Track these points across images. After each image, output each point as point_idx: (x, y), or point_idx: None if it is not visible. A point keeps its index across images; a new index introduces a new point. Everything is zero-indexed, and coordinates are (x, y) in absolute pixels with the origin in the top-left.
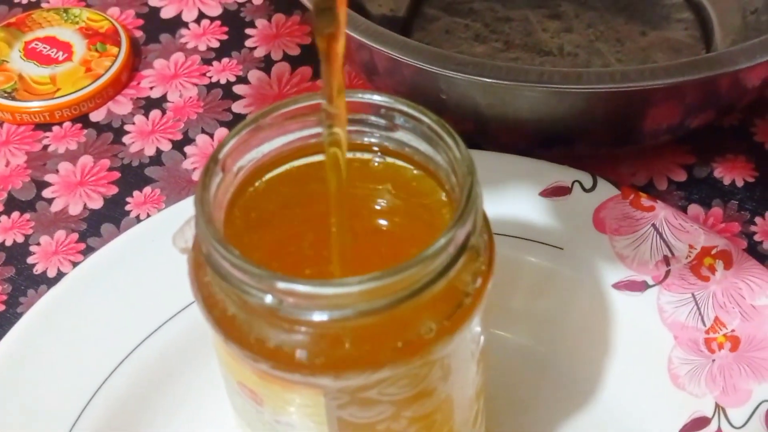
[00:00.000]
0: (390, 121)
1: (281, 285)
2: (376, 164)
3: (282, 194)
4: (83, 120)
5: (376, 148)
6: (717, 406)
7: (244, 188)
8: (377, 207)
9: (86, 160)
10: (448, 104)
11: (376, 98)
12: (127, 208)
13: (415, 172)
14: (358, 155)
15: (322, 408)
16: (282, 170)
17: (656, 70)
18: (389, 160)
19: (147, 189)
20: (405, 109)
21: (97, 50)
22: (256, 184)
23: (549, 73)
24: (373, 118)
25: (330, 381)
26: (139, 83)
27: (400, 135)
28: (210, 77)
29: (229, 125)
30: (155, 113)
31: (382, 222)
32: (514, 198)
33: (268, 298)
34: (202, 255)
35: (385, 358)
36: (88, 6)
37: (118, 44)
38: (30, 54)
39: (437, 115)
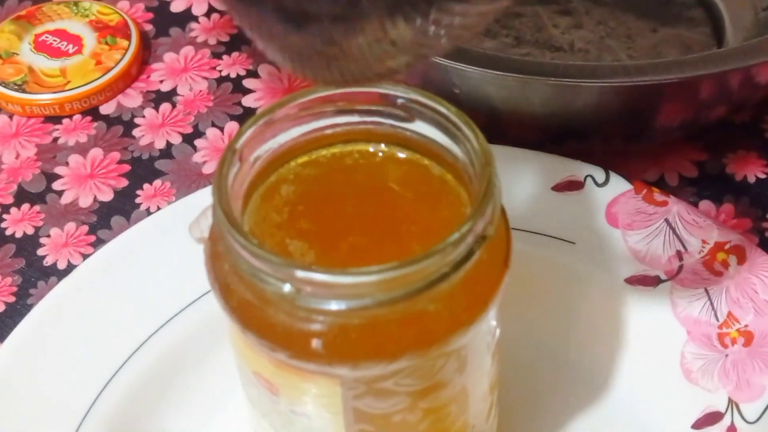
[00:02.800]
0: (407, 112)
1: (300, 274)
2: (392, 155)
3: (299, 184)
4: (93, 113)
5: (393, 139)
6: (730, 401)
7: (261, 178)
8: (394, 197)
9: (96, 152)
10: (461, 98)
11: (393, 89)
12: (138, 200)
13: (431, 163)
14: (375, 146)
15: (339, 398)
16: (298, 160)
17: (670, 65)
18: (406, 150)
19: (157, 182)
20: (422, 99)
21: (107, 43)
22: (273, 174)
23: (563, 67)
24: (389, 110)
25: (347, 371)
26: (149, 77)
27: (417, 126)
28: (220, 71)
29: (240, 119)
30: (165, 106)
31: (399, 212)
32: (527, 192)
33: (287, 287)
34: (218, 245)
35: (403, 348)
36: None
37: (128, 37)
38: (40, 47)
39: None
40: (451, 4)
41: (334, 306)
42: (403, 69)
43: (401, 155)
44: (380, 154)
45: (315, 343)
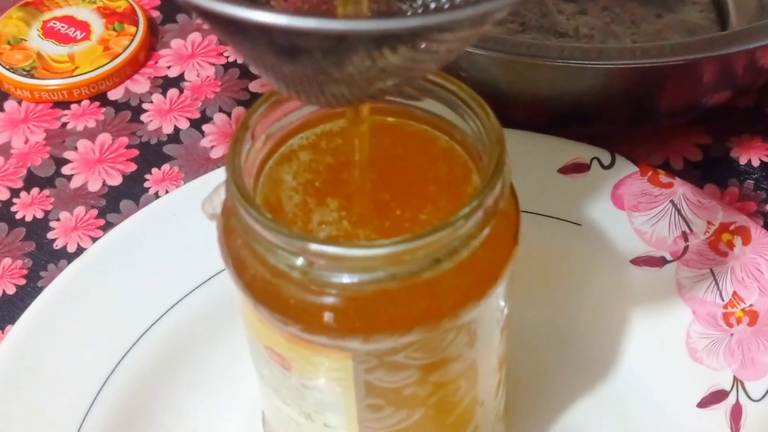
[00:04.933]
0: (417, 91)
1: (312, 247)
2: (402, 126)
3: (309, 159)
4: (101, 98)
5: (403, 117)
6: (735, 379)
7: (273, 154)
8: (404, 171)
9: (105, 137)
10: (468, 81)
11: None
12: (146, 185)
13: (442, 135)
14: (385, 119)
15: (350, 372)
16: (308, 136)
17: (676, 47)
18: (416, 124)
19: (165, 166)
20: (432, 78)
21: (114, 29)
22: (284, 150)
23: (570, 49)
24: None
25: (359, 344)
26: (156, 62)
27: (427, 104)
28: (227, 57)
29: (247, 104)
30: (173, 92)
31: (410, 186)
32: (533, 174)
33: (299, 261)
34: (231, 220)
35: (414, 321)
36: None
37: (135, 23)
38: (48, 33)
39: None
40: (435, 34)
41: (346, 279)
42: (393, 90)
43: (411, 127)
44: (390, 125)
45: (327, 316)
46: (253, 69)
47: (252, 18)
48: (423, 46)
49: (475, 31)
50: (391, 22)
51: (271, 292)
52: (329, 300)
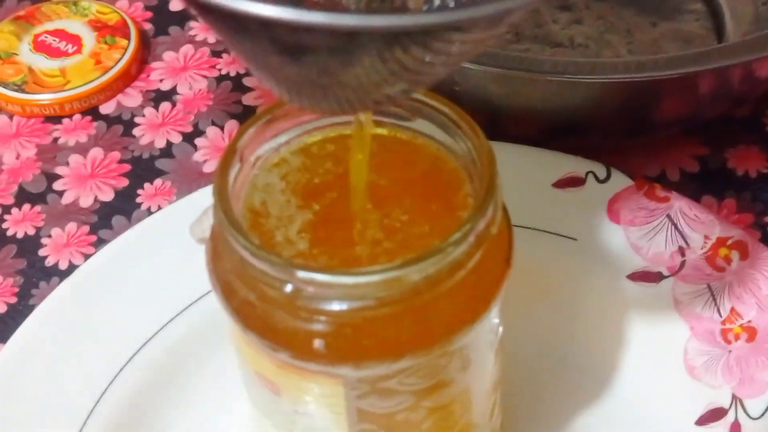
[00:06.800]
0: (408, 111)
1: (301, 274)
2: (393, 141)
3: (299, 183)
4: (93, 112)
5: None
6: (734, 397)
7: (262, 177)
8: (397, 193)
9: (96, 152)
10: (461, 95)
11: None
12: (138, 200)
13: (435, 160)
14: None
15: (342, 398)
16: (300, 158)
17: (670, 60)
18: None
19: (158, 181)
20: (423, 99)
21: (106, 43)
22: (273, 172)
23: (563, 64)
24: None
25: (350, 371)
26: (148, 76)
27: (418, 125)
28: (220, 69)
29: (240, 117)
30: (165, 106)
31: (401, 208)
32: (528, 189)
33: (288, 288)
34: (219, 245)
35: (406, 347)
36: None
37: (127, 36)
38: (39, 47)
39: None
40: (449, 34)
41: (336, 306)
42: (400, 96)
43: (404, 148)
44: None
45: (317, 343)
46: (253, 72)
47: (255, 12)
48: (435, 46)
49: (490, 33)
50: (407, 19)
51: (260, 318)
52: (319, 326)
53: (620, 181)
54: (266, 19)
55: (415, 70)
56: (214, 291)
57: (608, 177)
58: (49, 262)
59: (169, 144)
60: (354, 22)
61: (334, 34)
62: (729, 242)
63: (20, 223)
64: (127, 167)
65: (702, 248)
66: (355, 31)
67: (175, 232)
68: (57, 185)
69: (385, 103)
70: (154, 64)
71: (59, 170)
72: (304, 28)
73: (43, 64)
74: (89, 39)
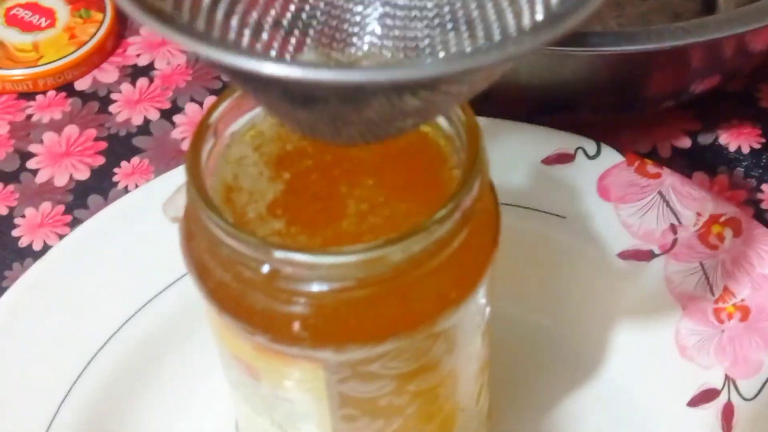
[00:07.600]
0: None
1: (278, 254)
2: None
3: (276, 156)
4: (68, 89)
5: None
6: (727, 377)
7: (236, 153)
8: (379, 170)
9: (72, 130)
10: None
11: None
12: (115, 179)
13: (418, 133)
14: None
15: (322, 382)
16: (276, 130)
17: (662, 32)
18: None
19: (135, 159)
20: None
21: (81, 16)
22: (248, 148)
23: None
24: None
25: (330, 354)
26: (125, 51)
27: None
28: None
29: (219, 93)
30: (143, 81)
31: (383, 185)
32: (516, 166)
33: (265, 268)
34: (194, 224)
35: (388, 330)
36: None
37: (102, 10)
38: (11, 20)
39: None
40: (460, 74)
41: (315, 287)
42: (411, 128)
43: None
44: None
45: (296, 325)
46: (265, 111)
47: (264, 71)
48: (445, 87)
49: (500, 69)
50: (411, 71)
51: (236, 300)
52: (298, 309)
53: (610, 156)
54: (275, 78)
55: (426, 108)
56: (188, 272)
57: (598, 153)
58: (23, 242)
59: (147, 121)
60: (360, 77)
61: (342, 88)
62: (722, 219)
63: None
64: (104, 145)
65: (694, 226)
66: (362, 86)
67: (151, 211)
68: (31, 164)
69: (396, 135)
70: (131, 39)
71: (33, 148)
72: (311, 84)
73: (15, 38)
74: (63, 12)
